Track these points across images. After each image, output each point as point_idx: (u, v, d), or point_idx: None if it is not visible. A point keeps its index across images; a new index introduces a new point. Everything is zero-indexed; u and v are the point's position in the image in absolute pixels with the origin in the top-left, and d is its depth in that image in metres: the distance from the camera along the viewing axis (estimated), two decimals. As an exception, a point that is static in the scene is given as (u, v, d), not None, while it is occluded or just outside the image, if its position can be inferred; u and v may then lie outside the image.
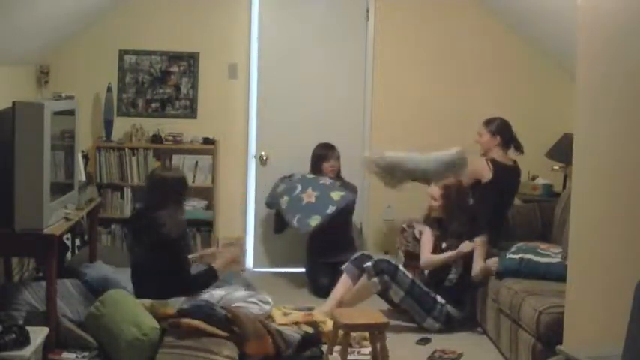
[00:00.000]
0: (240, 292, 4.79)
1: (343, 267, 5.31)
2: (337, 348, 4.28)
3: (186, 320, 4.27)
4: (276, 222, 6.18)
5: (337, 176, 6.17)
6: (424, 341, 4.87)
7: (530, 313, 4.09)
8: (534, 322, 4.02)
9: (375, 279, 5.02)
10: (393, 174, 5.56)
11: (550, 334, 3.86)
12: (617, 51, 2.79)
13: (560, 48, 5.93)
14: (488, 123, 5.53)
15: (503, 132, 5.49)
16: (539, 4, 5.50)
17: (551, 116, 6.40)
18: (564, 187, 6.05)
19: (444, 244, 5.24)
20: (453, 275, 5.16)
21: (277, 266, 6.46)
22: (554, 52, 6.23)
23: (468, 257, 5.11)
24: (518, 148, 5.55)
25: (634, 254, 2.53)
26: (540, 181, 6.21)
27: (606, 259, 2.77)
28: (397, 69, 6.52)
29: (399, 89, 6.53)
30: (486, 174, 5.36)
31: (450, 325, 5.04)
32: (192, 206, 6.21)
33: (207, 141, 6.34)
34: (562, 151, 5.77)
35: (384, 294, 5.12)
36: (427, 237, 5.29)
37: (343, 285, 5.22)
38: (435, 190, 5.25)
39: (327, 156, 6.12)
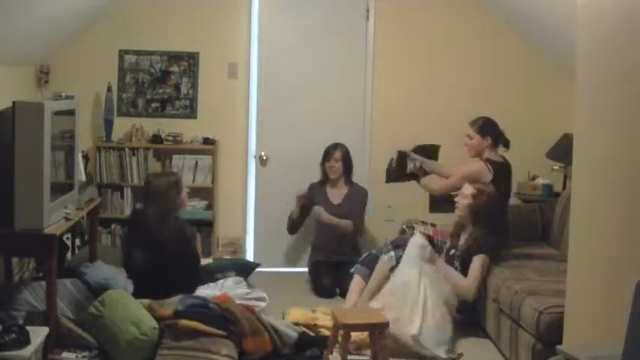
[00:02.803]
0: (237, 291, 4.84)
1: (352, 270, 5.32)
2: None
3: (184, 322, 4.28)
4: (291, 225, 6.24)
5: (346, 179, 6.14)
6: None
7: (530, 313, 4.09)
8: (534, 322, 4.01)
9: (392, 253, 5.08)
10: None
11: (550, 334, 3.86)
12: (617, 51, 2.79)
13: (560, 48, 5.93)
14: (476, 124, 5.46)
15: (492, 131, 5.43)
16: (539, 4, 5.50)
17: (551, 116, 6.40)
18: (564, 187, 6.05)
19: (452, 251, 5.24)
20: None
21: (278, 266, 6.45)
22: (554, 52, 6.22)
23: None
24: (507, 145, 5.48)
25: (634, 254, 2.53)
26: (540, 181, 6.21)
27: (606, 259, 2.77)
28: (397, 69, 6.52)
29: (399, 89, 6.53)
30: (486, 176, 5.33)
31: None
32: (193, 206, 6.21)
33: (207, 141, 6.33)
34: (562, 151, 5.77)
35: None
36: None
37: (357, 286, 5.22)
38: (468, 188, 5.19)
39: (327, 155, 6.13)
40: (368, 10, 6.46)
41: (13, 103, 4.08)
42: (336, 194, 6.15)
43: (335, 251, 6.01)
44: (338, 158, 6.10)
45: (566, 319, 3.23)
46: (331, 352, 4.32)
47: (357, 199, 6.14)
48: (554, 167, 6.15)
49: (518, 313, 4.25)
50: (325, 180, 6.18)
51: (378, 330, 4.25)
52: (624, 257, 2.61)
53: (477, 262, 5.00)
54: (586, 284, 2.99)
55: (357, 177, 6.29)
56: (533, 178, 6.29)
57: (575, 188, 3.23)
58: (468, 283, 4.98)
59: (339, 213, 6.03)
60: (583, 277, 3.03)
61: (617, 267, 2.66)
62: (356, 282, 5.24)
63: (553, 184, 6.20)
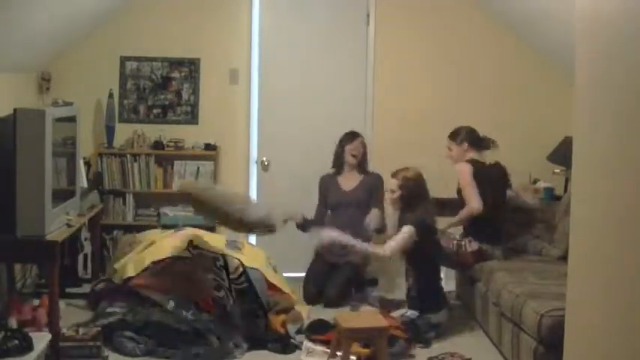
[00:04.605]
0: None
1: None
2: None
3: None
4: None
5: (362, 168, 6.03)
6: (426, 344, 4.87)
7: (531, 317, 4.09)
8: (536, 326, 4.02)
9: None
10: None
11: (552, 337, 3.86)
12: (616, 53, 2.79)
13: (560, 51, 5.93)
14: (453, 135, 5.60)
15: (468, 137, 5.55)
16: (540, 8, 5.51)
17: (552, 119, 6.39)
18: (565, 190, 6.05)
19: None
20: (410, 283, 5.14)
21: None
22: (554, 56, 6.23)
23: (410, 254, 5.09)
24: (488, 147, 5.57)
25: (634, 254, 2.53)
26: (542, 184, 6.21)
27: (606, 259, 2.77)
28: (398, 73, 6.52)
29: (400, 94, 6.53)
30: (468, 172, 5.40)
31: (440, 330, 5.02)
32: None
33: (208, 147, 6.35)
34: (563, 155, 5.77)
35: None
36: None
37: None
38: (392, 182, 5.15)
39: (352, 138, 6.01)
40: (368, 16, 6.47)
41: (15, 110, 4.10)
42: (348, 181, 6.02)
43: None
44: (361, 143, 6.03)
45: (567, 320, 3.22)
46: (333, 356, 4.32)
47: (376, 188, 5.98)
48: (556, 170, 6.15)
49: (520, 316, 4.25)
50: (340, 168, 6.04)
51: (380, 334, 4.25)
52: (624, 257, 2.61)
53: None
54: (586, 285, 2.99)
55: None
56: (535, 181, 6.29)
57: (575, 189, 3.23)
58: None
59: (348, 199, 5.93)
60: (583, 278, 3.03)
61: (617, 267, 2.66)
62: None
63: (554, 188, 6.20)
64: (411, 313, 4.96)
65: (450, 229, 5.50)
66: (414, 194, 5.05)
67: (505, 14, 6.30)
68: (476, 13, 6.48)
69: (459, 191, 5.51)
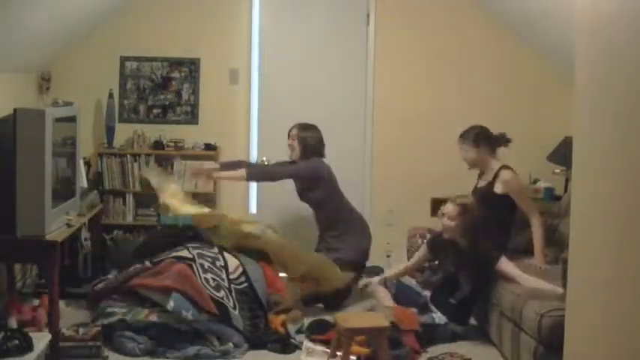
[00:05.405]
0: None
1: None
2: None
3: None
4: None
5: (303, 154, 5.79)
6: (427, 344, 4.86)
7: (531, 317, 4.09)
8: (536, 326, 4.01)
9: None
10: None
11: (552, 338, 3.86)
12: (617, 53, 2.79)
13: (560, 51, 5.93)
14: (465, 137, 5.37)
15: (484, 139, 5.36)
16: (540, 8, 5.51)
17: (552, 119, 6.39)
18: (565, 190, 6.05)
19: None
20: (465, 287, 4.99)
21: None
22: (554, 55, 6.23)
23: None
24: (506, 142, 5.39)
25: (634, 254, 2.53)
26: (542, 184, 6.21)
27: (606, 259, 2.77)
28: (398, 73, 6.52)
29: (400, 94, 6.53)
30: (518, 178, 5.33)
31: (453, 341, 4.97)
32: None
33: (208, 146, 6.35)
34: (563, 155, 5.77)
35: None
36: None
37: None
38: (450, 208, 4.95)
39: (288, 134, 5.88)
40: (368, 16, 6.47)
41: (15, 110, 4.09)
42: None
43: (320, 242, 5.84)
44: (294, 136, 5.79)
45: (567, 321, 3.22)
46: (334, 356, 4.32)
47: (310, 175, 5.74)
48: (556, 170, 6.15)
49: (520, 316, 4.25)
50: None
51: (380, 333, 4.25)
52: (624, 257, 2.61)
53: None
54: (586, 285, 2.99)
55: (358, 182, 6.28)
56: (535, 181, 6.29)
57: (575, 189, 3.23)
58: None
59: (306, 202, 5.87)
60: (583, 278, 3.04)
61: (618, 267, 2.66)
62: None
63: (554, 188, 6.20)
64: (439, 318, 4.93)
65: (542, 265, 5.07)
66: (468, 225, 4.91)
67: (505, 14, 6.30)
68: (476, 13, 6.47)
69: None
